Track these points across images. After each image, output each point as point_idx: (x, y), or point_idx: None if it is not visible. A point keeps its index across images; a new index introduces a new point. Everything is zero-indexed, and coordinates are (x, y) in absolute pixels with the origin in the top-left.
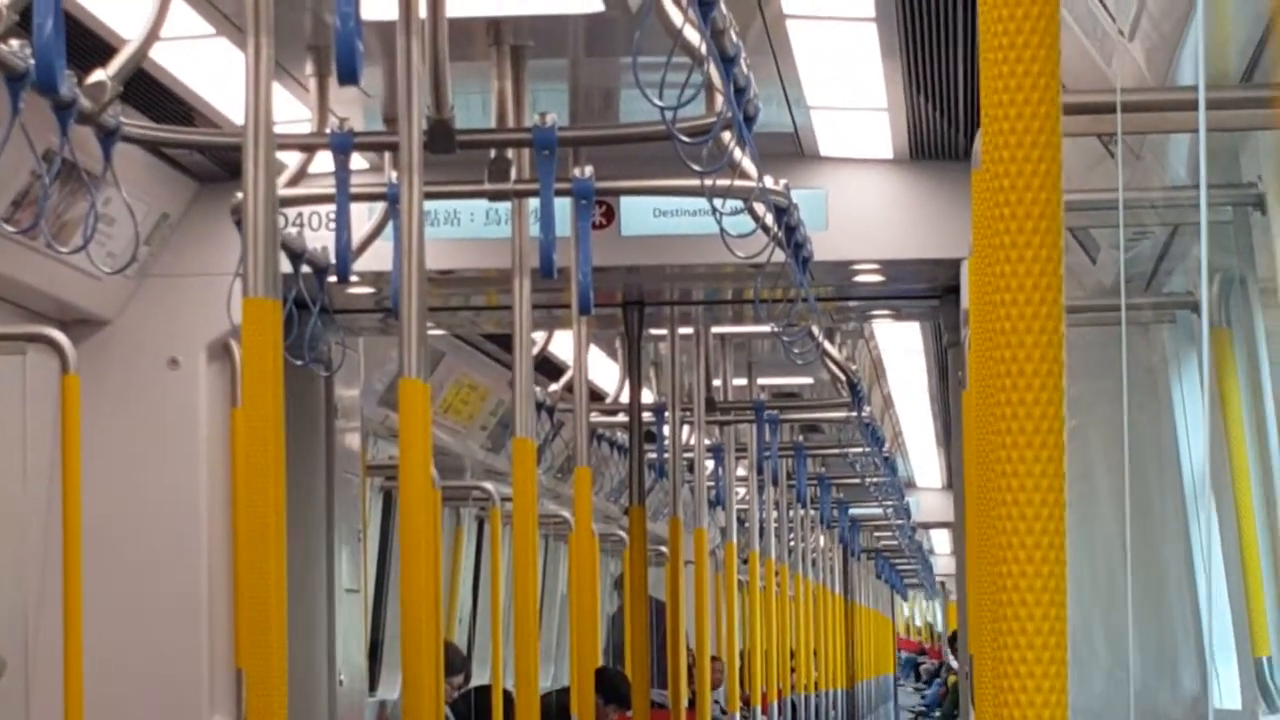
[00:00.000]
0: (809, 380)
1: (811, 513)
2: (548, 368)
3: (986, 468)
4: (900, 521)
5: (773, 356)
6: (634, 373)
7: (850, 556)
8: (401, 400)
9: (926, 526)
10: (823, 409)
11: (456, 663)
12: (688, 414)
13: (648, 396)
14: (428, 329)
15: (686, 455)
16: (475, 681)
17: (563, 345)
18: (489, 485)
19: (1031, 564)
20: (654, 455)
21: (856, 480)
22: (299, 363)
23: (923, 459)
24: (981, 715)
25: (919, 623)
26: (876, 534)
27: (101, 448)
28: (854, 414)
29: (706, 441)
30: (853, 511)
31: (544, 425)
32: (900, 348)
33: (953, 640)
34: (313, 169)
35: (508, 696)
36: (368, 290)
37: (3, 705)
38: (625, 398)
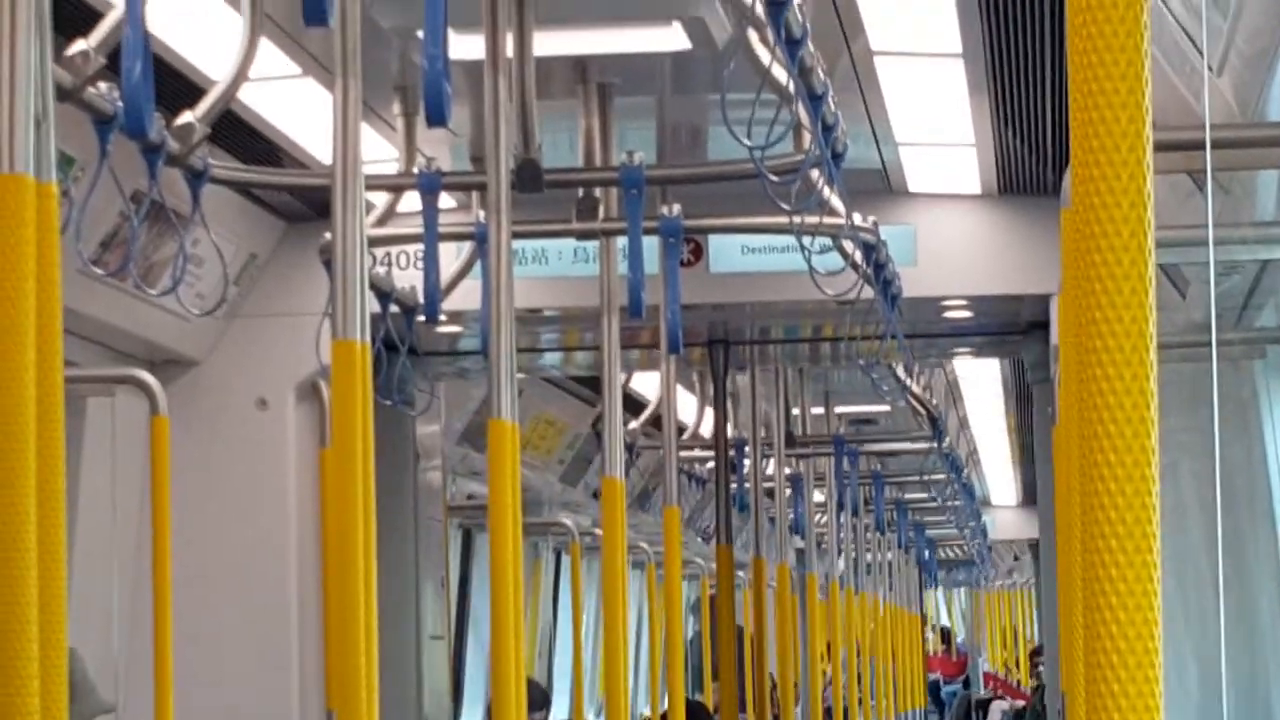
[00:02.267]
0: (885, 407)
1: (888, 535)
2: (627, 403)
3: (1081, 505)
4: (977, 542)
5: (849, 384)
6: (720, 411)
7: (927, 580)
8: (490, 442)
9: (1005, 544)
10: (901, 439)
11: (538, 698)
12: (767, 447)
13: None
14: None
15: (765, 484)
16: (555, 715)
17: (640, 379)
18: (568, 520)
19: (1131, 596)
20: (732, 487)
21: (932, 503)
22: (387, 403)
23: (998, 477)
24: None
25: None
26: (947, 548)
27: (191, 489)
28: (933, 444)
29: (785, 471)
30: (929, 533)
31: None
32: (976, 364)
33: (1033, 655)
34: (401, 207)
35: None
36: (454, 330)
37: None
38: (704, 430)
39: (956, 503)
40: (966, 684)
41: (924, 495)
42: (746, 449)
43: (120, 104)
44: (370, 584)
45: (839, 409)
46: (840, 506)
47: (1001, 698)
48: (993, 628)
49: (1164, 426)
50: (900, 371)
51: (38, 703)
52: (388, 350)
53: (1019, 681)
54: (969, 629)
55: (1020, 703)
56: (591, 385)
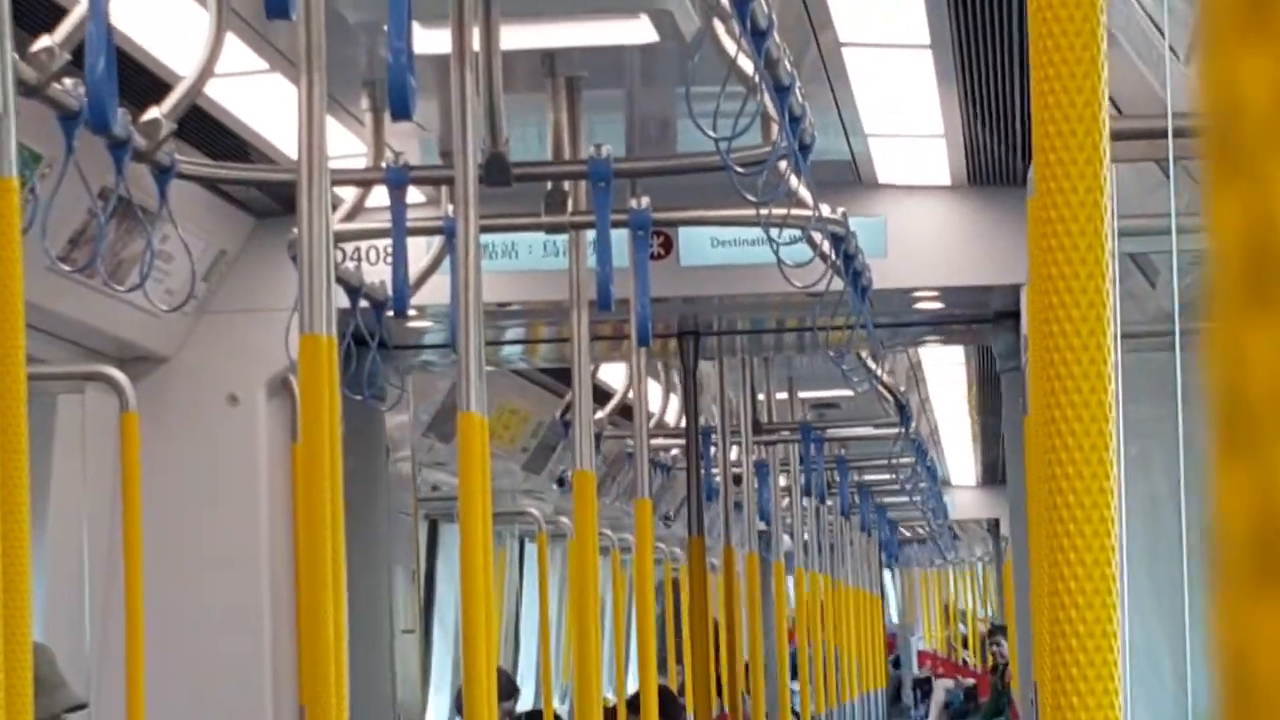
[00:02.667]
0: (849, 392)
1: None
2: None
3: (1044, 489)
4: (940, 523)
5: (812, 370)
6: (690, 403)
7: (889, 561)
8: (460, 435)
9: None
10: (867, 424)
11: (505, 687)
12: (734, 435)
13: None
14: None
15: (733, 471)
16: (522, 703)
17: (604, 368)
18: (534, 510)
19: (1090, 580)
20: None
21: (894, 486)
22: (357, 398)
23: (957, 458)
24: None
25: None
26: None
27: (162, 485)
28: (900, 430)
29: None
30: (890, 515)
31: None
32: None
33: (989, 635)
34: (371, 203)
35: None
36: (425, 324)
37: None
38: (668, 417)
39: (923, 484)
40: (896, 663)
41: (887, 478)
42: (713, 437)
43: (85, 99)
44: (339, 579)
45: (802, 394)
46: (807, 492)
47: (943, 676)
48: (929, 607)
49: (1135, 416)
50: (869, 360)
51: (1, 696)
52: (358, 345)
53: (964, 660)
54: (900, 609)
55: (970, 681)
56: (555, 375)
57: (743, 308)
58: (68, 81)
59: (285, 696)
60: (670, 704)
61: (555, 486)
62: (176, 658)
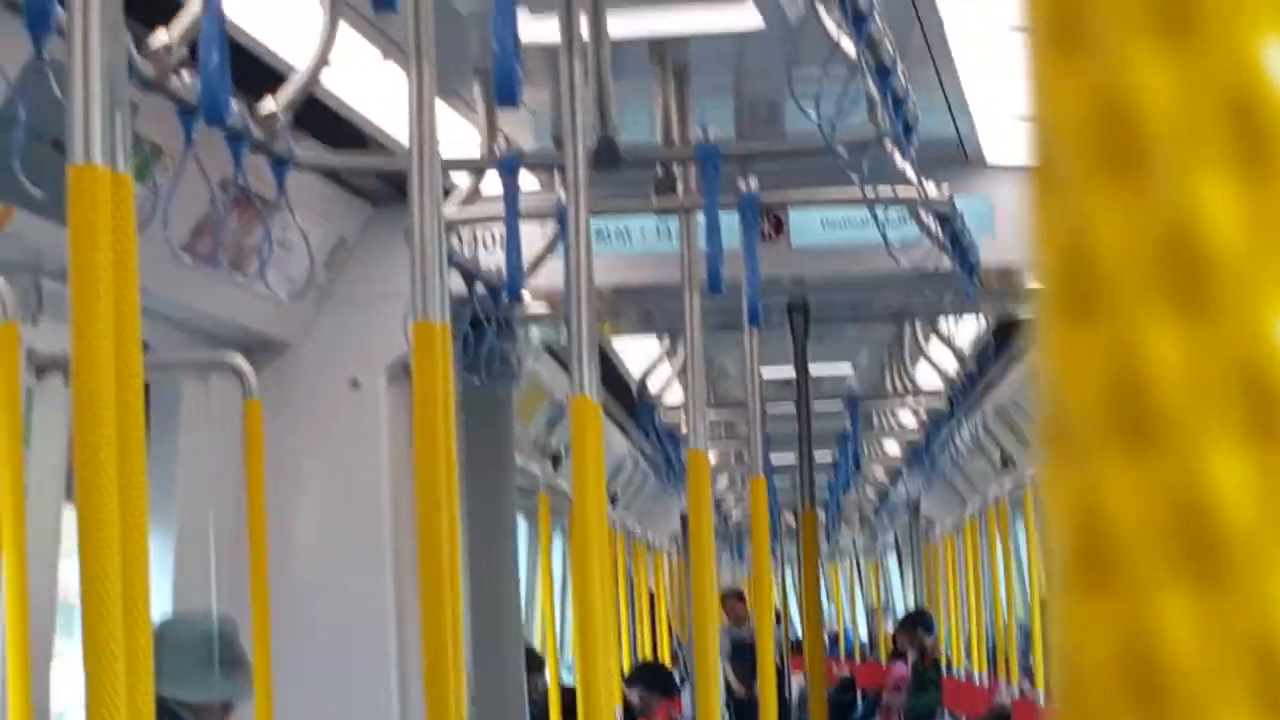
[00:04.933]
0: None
1: None
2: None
3: None
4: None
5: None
6: (802, 374)
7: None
8: (573, 418)
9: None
10: (915, 396)
11: (534, 662)
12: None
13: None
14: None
15: None
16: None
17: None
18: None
19: None
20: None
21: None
22: (476, 382)
23: None
24: None
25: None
26: None
27: (286, 471)
28: (949, 409)
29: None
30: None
31: None
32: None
33: (908, 622)
34: (488, 190)
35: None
36: (544, 310)
37: None
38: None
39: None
40: None
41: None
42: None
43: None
44: (455, 564)
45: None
46: (856, 463)
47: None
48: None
49: None
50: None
51: (123, 682)
52: (475, 329)
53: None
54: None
55: (845, 673)
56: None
57: (852, 286)
58: (185, 75)
59: (412, 684)
60: (667, 679)
61: (550, 464)
62: (303, 643)
